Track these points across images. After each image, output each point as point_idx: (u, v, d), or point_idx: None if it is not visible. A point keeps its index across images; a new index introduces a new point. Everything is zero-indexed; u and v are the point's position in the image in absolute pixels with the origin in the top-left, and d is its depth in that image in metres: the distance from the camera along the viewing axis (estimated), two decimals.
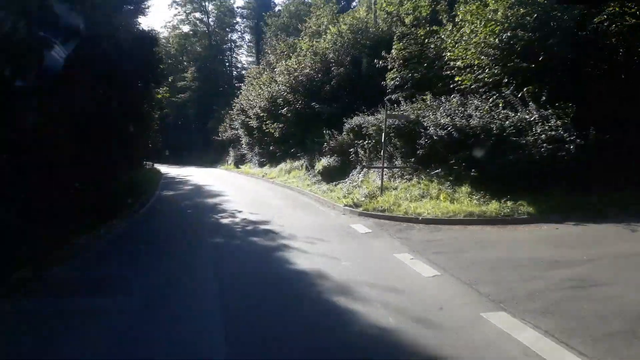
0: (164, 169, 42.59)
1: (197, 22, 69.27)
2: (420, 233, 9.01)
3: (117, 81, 11.53)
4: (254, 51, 68.12)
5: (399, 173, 13.63)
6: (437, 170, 11.98)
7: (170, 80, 60.64)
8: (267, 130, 25.47)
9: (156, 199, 16.80)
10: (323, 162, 18.13)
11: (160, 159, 58.52)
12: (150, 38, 15.35)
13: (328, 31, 22.33)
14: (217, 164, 48.12)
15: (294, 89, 22.49)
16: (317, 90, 21.24)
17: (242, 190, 19.23)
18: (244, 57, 73.63)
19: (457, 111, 12.20)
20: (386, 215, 10.56)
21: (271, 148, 27.11)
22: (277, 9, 61.97)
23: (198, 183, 24.35)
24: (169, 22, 77.99)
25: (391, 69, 17.20)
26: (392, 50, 17.37)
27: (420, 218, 9.92)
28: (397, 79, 16.84)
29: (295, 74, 22.75)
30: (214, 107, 54.94)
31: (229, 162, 44.13)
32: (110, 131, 11.82)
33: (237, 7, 72.98)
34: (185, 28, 68.02)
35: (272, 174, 25.17)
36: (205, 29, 69.23)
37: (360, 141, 16.05)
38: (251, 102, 28.81)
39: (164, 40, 69.87)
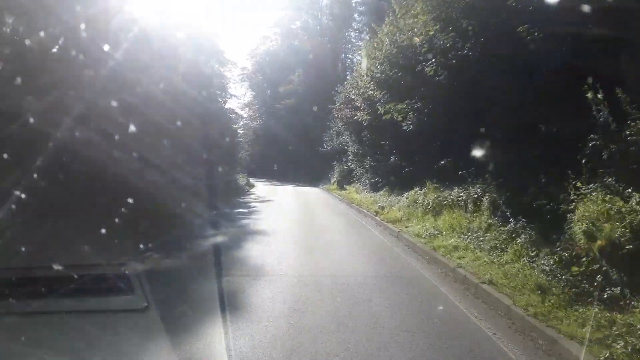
0: (261, 185, 36.21)
1: (309, 19, 60.54)
2: None
3: None
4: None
5: None
6: None
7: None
8: (388, 117, 12.43)
9: None
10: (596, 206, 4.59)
11: (267, 174, 52.45)
12: None
13: None
14: (319, 182, 37.65)
15: (450, 21, 9.37)
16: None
17: (311, 280, 6.70)
18: (360, 58, 62.07)
19: None
20: None
21: (393, 159, 14.08)
22: None
23: (253, 226, 12.50)
24: (279, 21, 70.39)
25: None
26: None
27: None
28: None
29: None
30: (320, 114, 44.75)
31: (331, 181, 32.76)
32: None
33: (355, 2, 61.69)
34: (295, 25, 59.58)
35: (395, 213, 12.07)
36: (317, 26, 60.20)
37: None
38: (358, 82, 16.44)
39: (273, 45, 62.66)
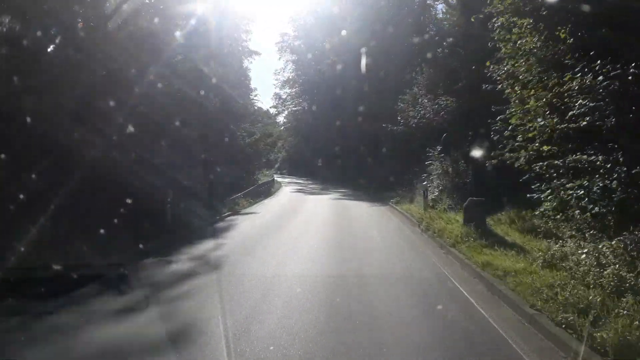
0: (287, 191, 27.01)
1: None
2: None
3: None
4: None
5: None
6: None
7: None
8: None
9: None
10: None
11: (309, 172, 42.25)
12: None
13: None
14: (392, 196, 19.69)
15: None
16: None
17: None
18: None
19: None
20: None
21: None
22: None
23: None
24: None
25: None
26: None
27: None
28: None
29: None
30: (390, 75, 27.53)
31: (428, 196, 15.24)
32: None
33: None
34: None
35: None
36: None
37: None
38: None
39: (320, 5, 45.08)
